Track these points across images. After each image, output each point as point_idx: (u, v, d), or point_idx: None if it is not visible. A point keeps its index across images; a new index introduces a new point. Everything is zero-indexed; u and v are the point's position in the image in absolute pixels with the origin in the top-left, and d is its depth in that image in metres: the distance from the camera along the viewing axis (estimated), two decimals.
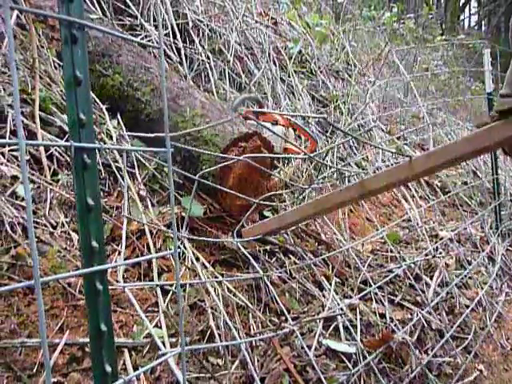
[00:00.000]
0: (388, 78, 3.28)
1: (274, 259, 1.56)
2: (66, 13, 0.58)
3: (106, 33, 0.66)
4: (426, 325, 1.55)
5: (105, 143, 1.57)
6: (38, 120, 1.51)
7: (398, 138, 3.52)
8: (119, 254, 1.28)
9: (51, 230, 1.29)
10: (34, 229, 1.24)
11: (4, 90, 1.62)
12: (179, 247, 1.39)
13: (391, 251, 1.90)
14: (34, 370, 0.96)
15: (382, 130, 3.27)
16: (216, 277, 1.36)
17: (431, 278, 1.80)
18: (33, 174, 1.43)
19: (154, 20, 2.37)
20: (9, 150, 1.41)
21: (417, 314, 1.56)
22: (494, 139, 0.94)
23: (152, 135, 0.75)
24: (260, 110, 2.04)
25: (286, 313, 1.26)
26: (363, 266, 1.68)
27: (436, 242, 2.05)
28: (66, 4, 0.58)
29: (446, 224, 2.42)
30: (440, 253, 1.96)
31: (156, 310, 1.20)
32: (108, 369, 0.61)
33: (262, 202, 1.55)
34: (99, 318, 0.60)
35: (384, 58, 4.29)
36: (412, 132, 3.68)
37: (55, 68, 1.87)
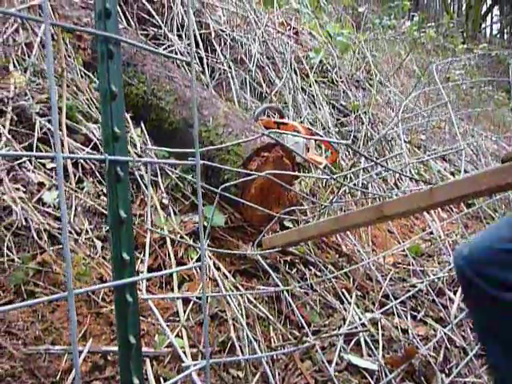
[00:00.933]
0: (412, 88, 3.25)
1: (295, 270, 1.55)
2: (103, 28, 0.60)
3: (140, 48, 0.67)
4: (449, 342, 1.50)
5: (129, 152, 1.59)
6: (64, 128, 1.54)
7: (419, 148, 3.47)
8: (142, 262, 1.29)
9: (76, 236, 1.31)
10: (59, 235, 1.26)
11: (32, 97, 1.66)
12: (200, 256, 1.39)
13: (413, 264, 1.87)
14: (58, 378, 0.97)
15: (404, 141, 3.23)
16: (237, 287, 1.35)
17: (455, 293, 1.75)
18: None
19: (178, 30, 2.40)
20: (36, 158, 1.44)
21: (440, 331, 1.52)
22: None
23: (181, 150, 0.75)
24: (281, 120, 2.04)
25: (306, 326, 1.25)
26: (385, 280, 1.65)
27: None
28: (103, 20, 0.60)
29: (469, 237, 2.36)
30: None
31: (177, 319, 1.20)
32: (136, 381, 0.61)
33: (282, 212, 1.55)
34: (128, 330, 0.60)
35: (404, 67, 4.26)
36: (433, 142, 3.62)
37: (81, 77, 1.91)
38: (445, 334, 1.51)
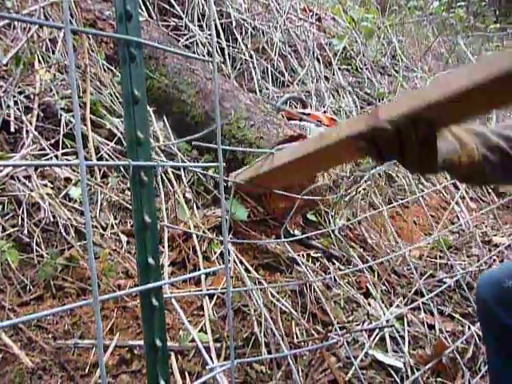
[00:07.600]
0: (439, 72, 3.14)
1: (318, 264, 1.54)
2: (124, 32, 0.59)
3: (163, 49, 0.66)
4: (478, 338, 1.47)
5: (153, 149, 1.59)
6: (89, 123, 1.56)
7: None
8: (164, 257, 1.31)
9: (101, 231, 1.33)
10: None
11: (57, 93, 1.69)
12: (223, 251, 1.40)
13: (440, 257, 1.83)
14: (86, 371, 1.00)
15: None
16: (260, 281, 1.35)
17: None
18: None
19: (199, 20, 2.38)
20: (62, 154, 1.46)
21: (468, 327, 1.48)
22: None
23: (205, 144, 0.75)
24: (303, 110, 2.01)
25: (331, 322, 1.24)
26: (411, 273, 1.62)
27: (490, 250, 1.94)
28: (125, 23, 0.59)
29: (500, 228, 2.28)
30: (494, 260, 1.86)
31: (201, 313, 1.22)
32: (162, 383, 0.62)
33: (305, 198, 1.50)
34: (154, 334, 0.61)
35: (432, 51, 4.10)
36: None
37: (104, 71, 1.93)
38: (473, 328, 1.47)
